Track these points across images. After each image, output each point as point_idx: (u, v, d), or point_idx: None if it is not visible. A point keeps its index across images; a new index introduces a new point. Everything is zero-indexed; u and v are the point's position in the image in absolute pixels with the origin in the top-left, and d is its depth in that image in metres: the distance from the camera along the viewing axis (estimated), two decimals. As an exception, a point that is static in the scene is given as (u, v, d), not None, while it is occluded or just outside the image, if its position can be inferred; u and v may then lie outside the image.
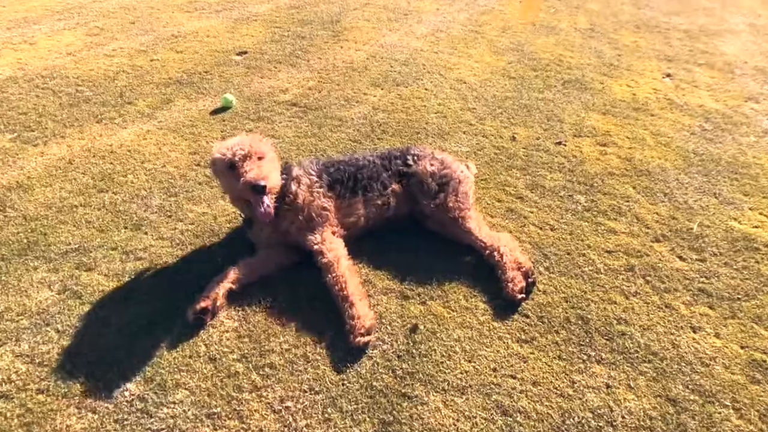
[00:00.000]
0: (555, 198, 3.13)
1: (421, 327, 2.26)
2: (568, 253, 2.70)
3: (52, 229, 2.87)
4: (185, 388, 2.04)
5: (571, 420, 1.94)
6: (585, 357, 2.16)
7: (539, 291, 2.47)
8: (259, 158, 2.49)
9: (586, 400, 2.00)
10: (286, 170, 2.73)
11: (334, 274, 2.34)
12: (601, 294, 2.46)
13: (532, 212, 3.01)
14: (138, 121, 3.92)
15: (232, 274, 2.46)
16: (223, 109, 4.07)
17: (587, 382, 2.06)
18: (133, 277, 2.55)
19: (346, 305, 2.25)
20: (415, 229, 2.79)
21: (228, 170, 2.48)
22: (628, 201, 3.11)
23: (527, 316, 2.34)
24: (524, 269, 2.48)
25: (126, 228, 2.88)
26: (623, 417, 1.95)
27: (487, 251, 2.55)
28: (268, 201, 2.42)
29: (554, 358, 2.16)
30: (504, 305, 2.39)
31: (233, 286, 2.42)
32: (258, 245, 2.67)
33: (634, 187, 3.24)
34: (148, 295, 2.44)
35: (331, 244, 2.46)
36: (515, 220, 2.94)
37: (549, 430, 1.90)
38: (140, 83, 4.39)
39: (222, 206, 3.01)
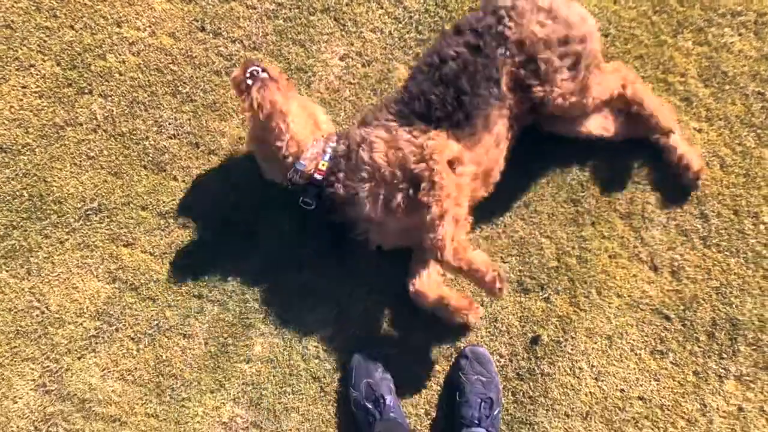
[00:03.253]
0: (737, 97, 2.14)
1: (545, 338, 1.98)
2: (736, 213, 2.06)
3: (49, 171, 2.16)
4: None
5: (693, 450, 1.93)
6: (723, 372, 1.97)
7: (688, 278, 2.03)
8: None
9: (713, 428, 1.94)
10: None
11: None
12: (763, 283, 2.01)
13: (700, 129, 2.12)
14: None
15: None
16: None
17: (719, 404, 1.94)
18: (187, 260, 2.09)
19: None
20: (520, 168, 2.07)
21: None
22: (842, 102, 2.14)
23: (668, 318, 2.00)
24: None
25: (146, 168, 2.15)
26: (748, 447, 1.93)
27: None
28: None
29: (689, 373, 1.97)
30: (641, 297, 2.01)
31: None
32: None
33: None
34: (220, 293, 2.05)
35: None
36: (673, 147, 2.12)
37: (668, 461, 1.93)
38: None
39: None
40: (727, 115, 2.14)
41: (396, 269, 2.03)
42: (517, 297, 2.03)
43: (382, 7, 2.24)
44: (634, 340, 2.01)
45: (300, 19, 2.23)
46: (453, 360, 2.00)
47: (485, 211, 2.05)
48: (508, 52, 1.80)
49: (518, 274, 2.04)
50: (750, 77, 2.17)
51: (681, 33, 2.20)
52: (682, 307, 2.02)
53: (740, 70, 2.17)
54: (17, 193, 2.16)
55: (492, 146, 1.85)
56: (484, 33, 1.80)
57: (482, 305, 2.01)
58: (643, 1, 2.22)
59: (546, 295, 2.03)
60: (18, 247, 2.13)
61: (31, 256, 2.12)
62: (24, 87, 2.24)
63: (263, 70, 1.82)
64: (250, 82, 1.80)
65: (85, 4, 2.28)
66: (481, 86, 1.79)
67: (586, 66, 1.84)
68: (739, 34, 2.20)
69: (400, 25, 2.22)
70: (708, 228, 2.07)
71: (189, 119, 2.19)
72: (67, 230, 2.14)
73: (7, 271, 2.12)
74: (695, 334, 2.00)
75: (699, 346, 1.99)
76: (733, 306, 2.01)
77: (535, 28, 1.80)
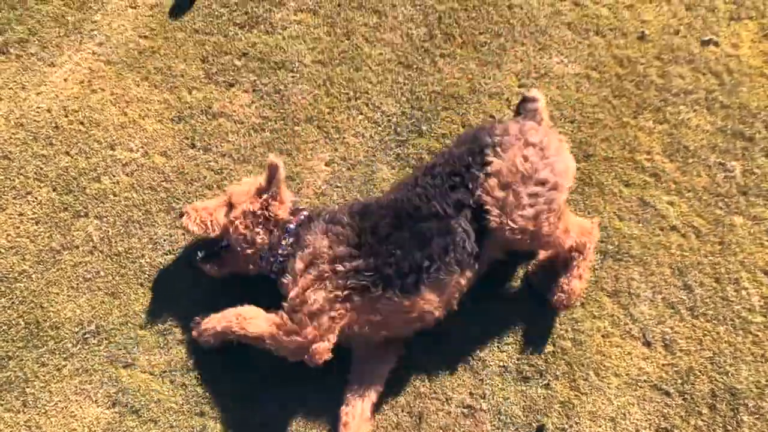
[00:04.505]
0: (702, 169, 2.28)
1: (549, 426, 1.99)
2: (717, 280, 2.14)
3: (47, 297, 2.19)
4: None
5: None
6: (730, 445, 1.98)
7: (681, 350, 2.07)
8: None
9: (730, 504, 1.93)
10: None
11: None
12: (754, 348, 2.06)
13: (671, 203, 2.24)
14: (65, 44, 2.51)
15: None
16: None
17: (731, 479, 1.94)
18: (187, 377, 2.08)
19: None
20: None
21: None
22: (799, 167, 2.29)
23: (668, 394, 2.02)
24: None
25: (141, 286, 2.19)
26: None
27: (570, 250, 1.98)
28: None
29: (697, 450, 1.98)
30: (639, 374, 2.04)
31: None
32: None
33: (810, 138, 2.34)
34: (222, 410, 2.04)
35: None
36: (649, 222, 2.21)
37: None
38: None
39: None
40: (695, 187, 2.26)
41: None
42: (518, 386, 2.04)
43: (361, 113, 2.38)
44: (637, 419, 2.01)
45: (285, 130, 2.36)
46: None
47: (478, 303, 2.10)
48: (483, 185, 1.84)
49: (516, 362, 2.07)
50: (710, 149, 2.31)
51: (641, 114, 2.37)
52: (680, 381, 2.04)
53: (700, 143, 2.32)
54: (13, 321, 2.17)
55: (421, 310, 1.86)
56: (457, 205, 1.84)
57: (483, 398, 2.02)
58: (603, 87, 2.41)
59: (546, 382, 2.04)
60: (14, 379, 2.11)
61: (27, 387, 2.10)
62: (21, 214, 2.30)
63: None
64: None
65: (80, 130, 2.40)
66: (450, 252, 1.82)
67: (548, 213, 1.84)
68: (694, 111, 2.37)
69: (380, 128, 2.36)
70: (693, 298, 2.13)
71: (183, 234, 2.25)
72: (64, 356, 2.14)
73: (1, 404, 2.09)
74: (697, 408, 2.01)
75: (702, 420, 2.00)
76: (730, 375, 2.04)
77: (517, 160, 1.83)
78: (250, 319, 1.90)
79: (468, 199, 1.85)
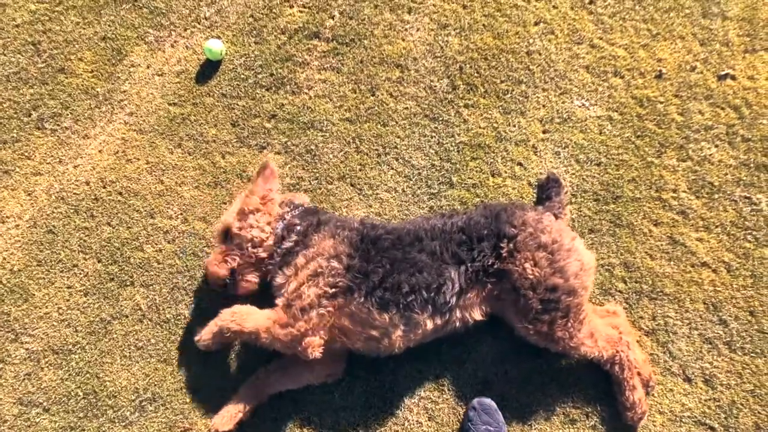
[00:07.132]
0: (728, 205, 2.34)
1: (600, 469, 2.05)
2: (752, 314, 2.21)
3: (101, 367, 2.26)
4: None
5: None
6: (777, 478, 2.04)
7: (722, 384, 2.13)
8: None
9: None
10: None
11: None
12: (793, 380, 2.14)
13: (700, 239, 2.31)
14: (97, 115, 2.58)
15: None
16: (211, 65, 2.63)
17: None
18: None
19: None
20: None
21: None
22: (822, 195, 2.35)
23: (712, 429, 2.08)
24: (644, 379, 2.05)
25: (193, 351, 2.24)
26: None
27: (607, 365, 2.03)
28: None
29: (745, 484, 2.04)
30: (682, 411, 2.10)
31: None
32: None
33: (830, 165, 2.39)
34: (281, 470, 2.11)
35: None
36: (680, 260, 2.28)
37: None
38: (50, 27, 2.68)
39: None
40: (723, 222, 2.32)
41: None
42: (565, 429, 2.11)
43: (392, 168, 2.45)
44: (685, 456, 2.08)
45: (320, 188, 2.43)
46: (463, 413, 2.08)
47: (518, 354, 2.17)
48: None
49: (562, 406, 2.13)
50: (734, 184, 2.37)
51: (664, 152, 2.43)
52: (723, 416, 2.10)
53: (724, 178, 2.38)
54: (72, 393, 2.24)
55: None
56: (476, 255, 1.93)
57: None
58: (625, 128, 2.47)
59: (593, 423, 2.11)
60: (77, 450, 2.19)
61: (93, 459, 2.18)
62: (69, 287, 2.37)
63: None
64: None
65: (119, 200, 2.47)
66: (431, 291, 1.92)
67: (565, 320, 1.90)
68: (716, 146, 2.43)
69: (411, 182, 2.43)
70: (729, 332, 2.19)
71: (229, 298, 2.32)
72: (123, 424, 2.20)
73: (68, 475, 2.17)
74: (742, 442, 2.08)
75: (748, 454, 2.07)
76: (771, 407, 2.11)
77: (527, 266, 1.90)
78: (246, 315, 2.03)
79: (468, 261, 1.94)
